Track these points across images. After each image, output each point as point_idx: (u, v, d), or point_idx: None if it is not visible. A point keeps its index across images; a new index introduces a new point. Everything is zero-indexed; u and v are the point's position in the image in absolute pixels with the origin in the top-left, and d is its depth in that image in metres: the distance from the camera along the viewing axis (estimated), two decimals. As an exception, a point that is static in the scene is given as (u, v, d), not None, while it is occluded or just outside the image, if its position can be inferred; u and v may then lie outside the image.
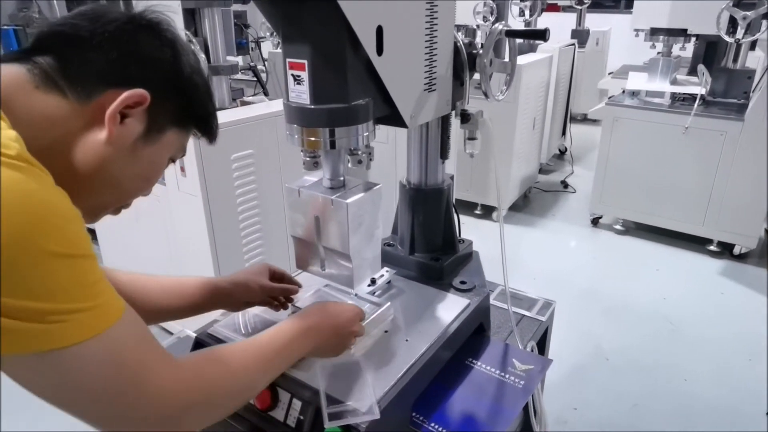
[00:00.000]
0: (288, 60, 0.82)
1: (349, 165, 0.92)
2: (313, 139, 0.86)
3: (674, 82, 3.40)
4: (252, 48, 3.27)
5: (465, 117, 1.11)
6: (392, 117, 0.95)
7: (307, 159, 0.90)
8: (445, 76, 1.04)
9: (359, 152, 0.90)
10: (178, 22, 2.56)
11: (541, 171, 4.57)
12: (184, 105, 0.71)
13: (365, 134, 0.88)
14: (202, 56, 2.31)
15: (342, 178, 0.94)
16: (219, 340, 1.01)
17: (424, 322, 1.06)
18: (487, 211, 3.83)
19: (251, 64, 2.87)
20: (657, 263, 3.19)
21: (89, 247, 0.55)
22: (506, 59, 1.15)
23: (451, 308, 1.10)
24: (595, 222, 3.71)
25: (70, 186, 0.56)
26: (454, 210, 1.27)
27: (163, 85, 0.67)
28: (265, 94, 2.77)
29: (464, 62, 1.06)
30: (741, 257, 3.19)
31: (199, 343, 1.03)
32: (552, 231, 3.70)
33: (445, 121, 1.16)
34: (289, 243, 2.26)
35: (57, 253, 0.50)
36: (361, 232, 0.94)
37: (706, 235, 3.23)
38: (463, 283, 1.19)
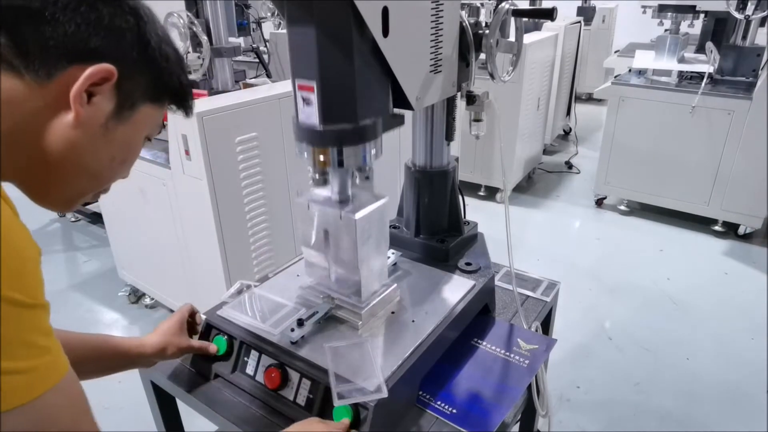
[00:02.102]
0: (297, 82, 0.83)
1: (357, 181, 0.92)
2: (322, 158, 0.86)
3: (682, 60, 3.35)
4: (253, 29, 3.23)
5: (470, 98, 1.11)
6: (398, 99, 0.95)
7: (316, 176, 0.90)
8: (450, 57, 1.04)
9: (367, 168, 0.90)
10: (179, 4, 2.53)
11: (546, 152, 4.55)
12: (155, 77, 0.65)
13: (373, 152, 0.89)
14: (204, 38, 2.30)
15: (350, 193, 0.95)
16: (229, 322, 1.03)
17: (430, 303, 1.07)
18: (491, 193, 3.82)
19: (253, 45, 2.85)
20: (661, 243, 3.19)
21: (43, 294, 0.49)
22: (512, 39, 1.14)
23: (456, 289, 1.11)
24: (600, 203, 3.70)
25: (41, 175, 0.54)
26: (459, 192, 1.27)
27: (130, 57, 0.61)
28: (268, 76, 2.75)
29: (470, 43, 1.06)
30: (745, 237, 3.18)
31: (208, 325, 1.04)
32: (556, 212, 3.70)
33: (450, 103, 1.16)
34: (294, 224, 2.28)
35: (9, 299, 0.45)
36: (369, 245, 0.95)
37: (711, 216, 3.22)
38: (468, 264, 1.20)
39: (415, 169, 1.23)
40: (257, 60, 3.05)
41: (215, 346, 1.02)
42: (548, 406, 1.12)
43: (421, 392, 0.97)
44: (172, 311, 2.49)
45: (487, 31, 1.06)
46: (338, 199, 0.95)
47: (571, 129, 4.95)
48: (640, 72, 3.41)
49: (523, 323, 1.16)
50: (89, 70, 0.56)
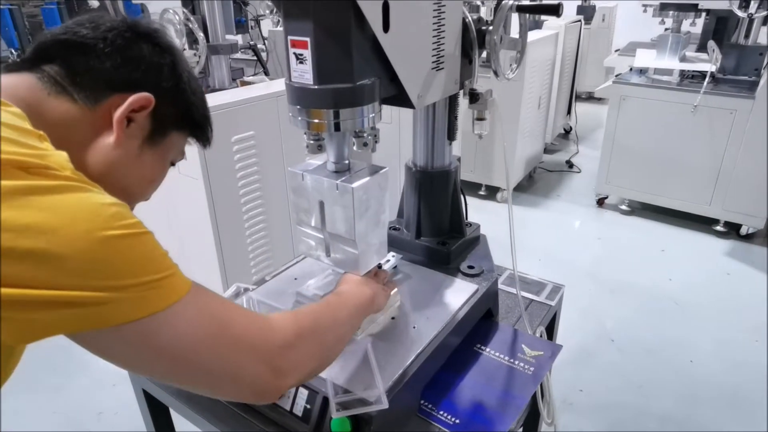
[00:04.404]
0: (290, 38, 0.79)
1: (354, 148, 0.89)
2: (317, 121, 0.82)
3: (683, 59, 3.32)
4: (251, 26, 3.20)
5: (474, 97, 1.07)
6: (398, 97, 0.91)
7: (311, 142, 0.87)
8: (453, 54, 1.00)
9: (365, 134, 0.87)
10: (175, 1, 2.47)
11: (546, 151, 4.52)
12: (185, 108, 0.73)
13: (371, 115, 0.85)
14: (200, 35, 2.26)
15: (347, 162, 0.91)
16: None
17: (432, 308, 1.03)
18: (491, 192, 3.79)
19: (251, 42, 2.81)
20: (663, 243, 3.16)
21: (143, 225, 0.56)
22: (516, 36, 1.11)
23: (459, 294, 1.08)
24: (601, 202, 3.67)
25: None
26: (461, 193, 1.24)
27: (164, 89, 0.69)
28: (266, 73, 2.71)
29: (473, 39, 1.02)
30: (747, 237, 3.16)
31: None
32: (557, 211, 3.67)
33: (452, 101, 1.13)
34: (292, 226, 2.24)
35: (134, 234, 0.52)
36: (368, 217, 0.91)
37: (712, 216, 3.19)
38: (471, 267, 1.17)
39: (415, 170, 1.20)
40: (255, 58, 3.01)
41: None
42: (554, 414, 1.08)
43: (422, 401, 0.94)
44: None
45: (490, 28, 1.03)
46: (334, 169, 0.90)
47: (571, 128, 4.92)
48: (642, 71, 3.38)
49: (528, 328, 1.13)
50: (132, 98, 0.64)
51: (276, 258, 2.20)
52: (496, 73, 1.08)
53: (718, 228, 3.21)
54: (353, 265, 0.93)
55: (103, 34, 0.66)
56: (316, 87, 0.79)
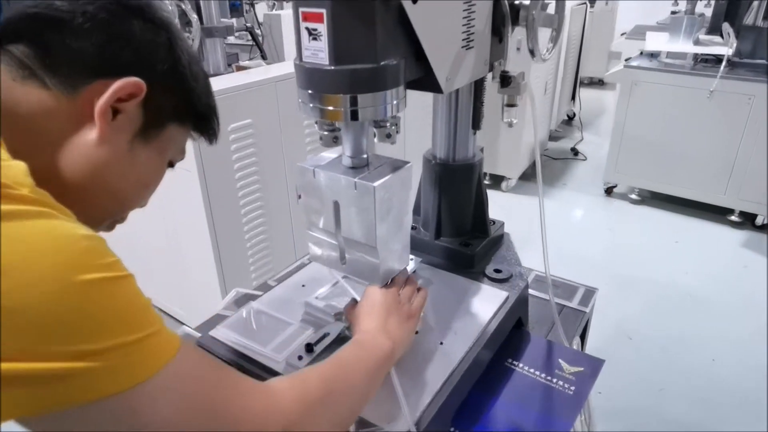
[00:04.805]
0: (301, 10, 0.66)
1: (375, 140, 0.76)
2: (331, 108, 0.70)
3: (697, 42, 3.19)
4: (246, 10, 3.05)
5: (505, 80, 0.95)
6: (423, 81, 0.79)
7: (325, 133, 0.74)
8: (483, 31, 0.88)
9: (387, 124, 0.74)
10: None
11: (550, 138, 4.40)
12: (184, 97, 0.61)
13: (394, 102, 0.72)
14: (194, 17, 2.11)
15: (365, 156, 0.79)
16: (223, 345, 0.87)
17: (460, 320, 0.92)
18: (496, 181, 3.67)
19: (247, 25, 2.66)
20: (676, 235, 3.06)
21: (123, 265, 0.44)
22: (552, 12, 0.98)
23: (488, 302, 0.96)
24: (609, 191, 3.56)
25: (59, 198, 0.43)
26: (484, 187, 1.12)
27: (159, 73, 0.57)
28: (263, 57, 2.57)
29: (506, 15, 0.89)
30: (763, 228, 3.05)
31: (200, 345, 0.89)
32: (564, 201, 3.55)
33: (478, 86, 1.00)
34: (293, 224, 2.12)
35: (112, 278, 0.41)
36: (390, 220, 0.79)
37: (727, 205, 3.08)
38: (498, 271, 1.05)
39: (435, 162, 1.07)
40: (251, 43, 2.86)
41: None
42: (593, 435, 0.97)
43: (452, 429, 0.82)
44: (161, 310, 2.34)
45: (525, 2, 0.90)
46: (350, 164, 0.78)
47: (575, 114, 4.79)
48: (653, 55, 3.25)
49: (564, 340, 1.01)
50: (117, 84, 0.52)
51: (277, 259, 2.08)
52: (532, 53, 0.95)
53: (733, 218, 3.11)
54: (373, 275, 0.81)
55: (82, 6, 0.53)
56: (332, 68, 0.66)
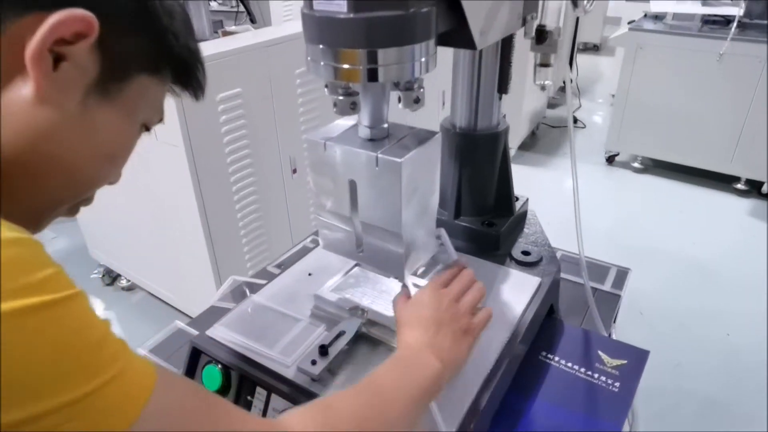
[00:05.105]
0: None
1: (400, 106, 0.64)
2: (348, 66, 0.57)
3: (705, 2, 3.05)
4: (230, -30, 2.85)
5: (541, 35, 0.82)
6: (454, 34, 0.66)
7: (340, 98, 0.61)
8: (517, -24, 0.75)
9: (414, 86, 0.62)
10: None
11: (548, 106, 4.27)
12: (155, 39, 0.46)
13: (423, 59, 0.59)
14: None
15: (385, 126, 0.66)
16: (223, 346, 0.76)
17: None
18: (495, 152, 3.54)
19: (233, -16, 2.47)
20: (680, 204, 2.98)
21: (70, 280, 0.32)
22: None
23: (519, 290, 0.85)
24: (611, 160, 3.46)
25: None
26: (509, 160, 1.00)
27: (121, 5, 0.42)
28: (252, 21, 2.40)
29: (543, -43, 0.76)
30: (768, 196, 2.98)
31: (196, 351, 0.77)
32: (565, 170, 3.45)
33: (506, 44, 0.88)
34: (288, 204, 1.99)
35: (55, 302, 0.29)
36: (415, 202, 0.67)
37: (733, 173, 3.00)
38: (526, 254, 0.94)
39: (455, 132, 0.95)
40: (235, 9, 2.67)
41: None
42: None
43: (489, 438, 0.73)
44: (151, 295, 2.22)
45: (564, -59, 0.77)
46: (369, 135, 0.66)
47: (572, 80, 4.65)
48: (657, 17, 3.11)
49: (602, 328, 0.91)
50: (54, 19, 0.37)
51: (272, 239, 1.96)
52: (575, 4, 0.82)
53: (739, 186, 3.02)
54: (395, 266, 0.70)
55: None
56: (350, 16, 0.53)
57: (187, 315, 2.02)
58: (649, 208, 2.97)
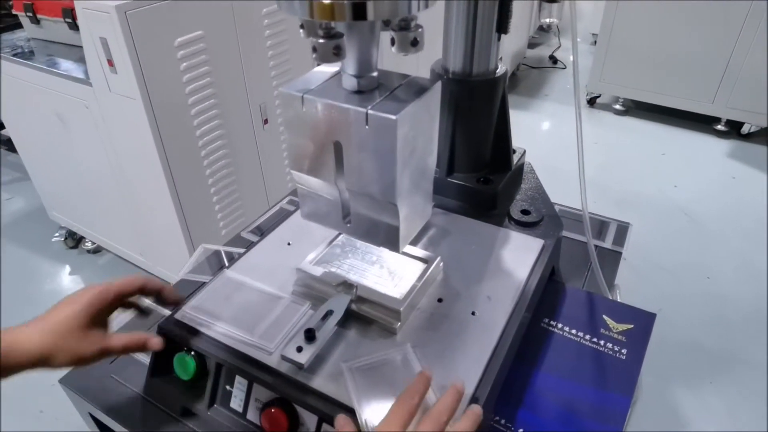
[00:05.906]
0: None
1: (393, 49, 0.53)
2: (329, 1, 0.46)
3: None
4: None
5: (550, -37, 0.71)
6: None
7: (320, 41, 0.50)
8: None
9: (411, 25, 0.51)
10: None
11: (528, 45, 4.12)
12: None
13: None
14: None
15: (375, 74, 0.56)
16: (195, 331, 0.67)
17: (491, 280, 0.74)
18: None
19: None
20: (662, 146, 2.94)
21: None
22: None
23: (522, 255, 0.78)
24: (592, 102, 3.38)
25: None
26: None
27: None
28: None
29: None
30: (748, 137, 2.96)
31: (162, 335, 0.69)
32: (547, 113, 3.36)
33: (506, -26, 0.76)
34: (262, 160, 1.86)
35: None
36: (413, 165, 0.58)
37: (714, 114, 2.95)
38: (525, 213, 0.87)
39: (448, 77, 0.84)
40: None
41: (157, 340, 0.66)
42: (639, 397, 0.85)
43: (496, 418, 0.67)
44: (119, 257, 2.10)
45: None
46: (356, 87, 0.55)
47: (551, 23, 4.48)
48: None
49: (606, 290, 0.86)
50: None
51: (247, 199, 1.85)
52: None
53: (719, 127, 2.99)
54: (390, 239, 0.61)
55: None
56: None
57: (160, 279, 1.92)
58: (631, 151, 2.93)
